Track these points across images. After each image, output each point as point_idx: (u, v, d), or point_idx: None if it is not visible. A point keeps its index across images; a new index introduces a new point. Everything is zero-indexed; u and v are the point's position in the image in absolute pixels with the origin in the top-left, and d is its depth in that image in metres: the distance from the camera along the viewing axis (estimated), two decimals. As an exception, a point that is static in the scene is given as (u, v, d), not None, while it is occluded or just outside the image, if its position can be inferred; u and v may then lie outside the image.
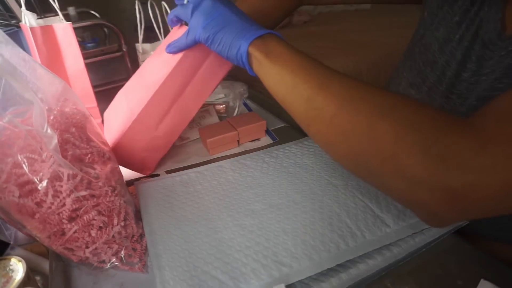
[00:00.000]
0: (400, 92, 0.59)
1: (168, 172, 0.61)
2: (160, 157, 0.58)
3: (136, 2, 0.76)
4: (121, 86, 0.65)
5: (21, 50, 0.42)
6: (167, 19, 0.53)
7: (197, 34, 0.44)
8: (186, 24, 0.48)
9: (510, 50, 0.41)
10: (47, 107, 0.42)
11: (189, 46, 0.48)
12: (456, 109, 0.49)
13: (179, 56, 0.50)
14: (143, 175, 0.59)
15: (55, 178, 0.37)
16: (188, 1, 0.46)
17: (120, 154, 0.54)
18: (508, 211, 0.29)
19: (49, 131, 0.37)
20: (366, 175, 0.34)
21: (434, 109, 0.30)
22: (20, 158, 0.36)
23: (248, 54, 0.40)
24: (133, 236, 0.44)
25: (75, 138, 0.43)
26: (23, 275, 0.35)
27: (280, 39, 0.41)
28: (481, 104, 0.40)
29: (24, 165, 0.36)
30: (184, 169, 0.59)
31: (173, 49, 0.49)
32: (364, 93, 0.32)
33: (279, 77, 0.38)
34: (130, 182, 0.57)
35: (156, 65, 0.55)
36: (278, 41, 0.40)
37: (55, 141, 0.37)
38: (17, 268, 0.36)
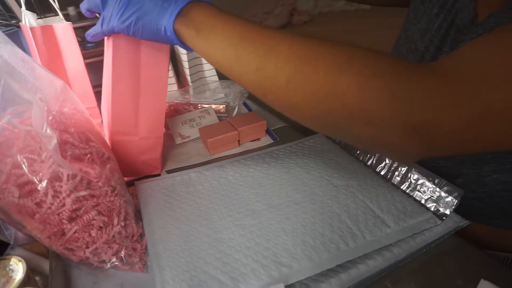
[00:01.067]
0: None
1: (168, 172, 0.61)
2: (159, 154, 0.59)
3: (136, 2, 0.75)
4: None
5: (19, 50, 0.42)
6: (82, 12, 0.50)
7: (114, 26, 0.40)
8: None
9: (479, 34, 0.45)
10: (46, 108, 0.42)
11: (106, 35, 0.45)
12: None
13: (111, 51, 0.48)
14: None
15: (54, 178, 0.37)
16: None
17: (125, 166, 0.55)
18: (470, 148, 0.31)
19: (48, 131, 0.37)
20: (333, 130, 0.34)
21: (393, 56, 0.31)
22: (19, 159, 0.36)
23: (177, 33, 0.37)
24: (133, 236, 0.44)
25: (74, 139, 0.43)
26: (23, 275, 0.35)
27: (207, 5, 0.37)
28: None
29: (23, 166, 0.36)
30: (184, 169, 0.59)
31: (91, 37, 0.46)
32: (317, 50, 0.31)
33: (219, 52, 0.35)
34: (131, 182, 0.57)
35: (106, 64, 0.55)
36: (205, 11, 0.36)
37: (54, 141, 0.37)
38: (17, 268, 0.36)
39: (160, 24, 0.37)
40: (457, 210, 0.42)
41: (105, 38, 0.49)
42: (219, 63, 0.36)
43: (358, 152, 0.55)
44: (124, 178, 0.54)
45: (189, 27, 0.36)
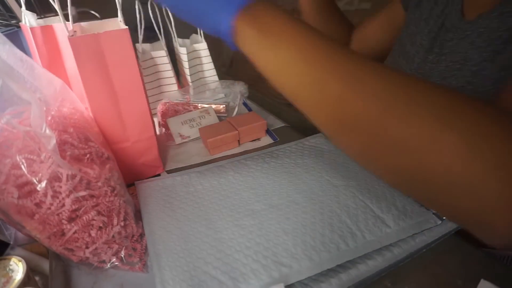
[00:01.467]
0: None
1: (168, 172, 0.61)
2: (156, 154, 0.59)
3: (136, 2, 0.75)
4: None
5: (18, 50, 0.42)
6: None
7: None
8: None
9: (467, 34, 0.46)
10: (45, 108, 0.42)
11: None
12: None
13: (75, 65, 0.47)
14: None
15: (54, 178, 0.37)
16: None
17: (127, 172, 0.55)
18: None
19: (47, 131, 0.37)
20: (412, 189, 0.28)
21: (490, 105, 0.25)
22: (18, 159, 0.36)
23: (233, 29, 0.32)
24: (133, 236, 0.44)
25: (73, 139, 0.43)
26: (23, 275, 0.35)
27: (272, 6, 0.31)
28: (445, 83, 0.47)
29: (22, 166, 0.36)
30: (184, 169, 0.59)
31: None
32: (413, 89, 0.25)
33: (285, 66, 0.29)
34: (131, 183, 0.57)
35: (72, 78, 0.54)
36: (270, 11, 0.31)
37: (53, 141, 0.37)
38: (17, 268, 0.36)
39: (217, 14, 0.32)
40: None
41: (63, 52, 0.48)
42: (280, 79, 0.30)
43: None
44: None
45: (252, 27, 0.30)
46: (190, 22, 0.35)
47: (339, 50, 0.28)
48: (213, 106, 0.77)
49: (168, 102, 0.75)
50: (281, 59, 0.29)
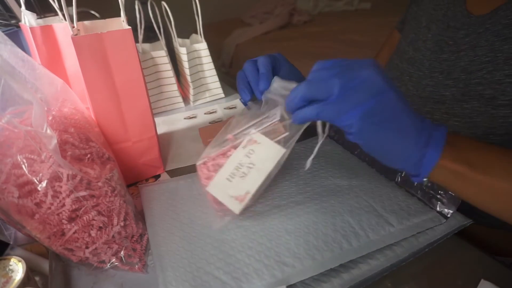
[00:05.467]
0: None
1: (169, 172, 0.61)
2: (157, 153, 0.59)
3: (136, 2, 0.75)
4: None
5: (19, 50, 0.42)
6: (259, 95, 0.42)
7: (347, 119, 0.30)
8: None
9: (487, 28, 0.48)
10: (46, 107, 0.42)
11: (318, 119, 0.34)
12: (440, 82, 0.54)
13: (78, 66, 0.46)
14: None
15: (54, 178, 0.37)
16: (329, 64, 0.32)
17: (128, 172, 0.55)
18: None
19: (48, 131, 0.37)
20: None
21: None
22: (19, 159, 0.36)
23: (435, 166, 0.32)
24: (133, 236, 0.44)
25: (74, 139, 0.43)
26: (23, 275, 0.35)
27: (469, 139, 0.34)
28: (469, 78, 0.49)
29: (23, 166, 0.36)
30: (184, 169, 0.58)
31: (298, 120, 0.35)
32: None
33: (492, 190, 0.32)
34: (131, 183, 0.57)
35: (73, 77, 0.54)
36: (468, 143, 0.33)
37: (54, 141, 0.37)
38: (17, 268, 0.36)
39: (418, 149, 0.31)
40: (458, 210, 0.42)
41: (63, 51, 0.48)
42: (488, 205, 0.33)
43: (360, 151, 0.55)
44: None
45: (460, 163, 0.31)
46: (380, 157, 0.34)
47: None
48: (261, 129, 0.45)
49: (206, 162, 0.46)
50: (492, 191, 0.32)
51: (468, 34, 0.51)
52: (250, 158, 0.40)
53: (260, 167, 0.39)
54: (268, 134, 0.41)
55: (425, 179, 0.33)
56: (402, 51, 0.63)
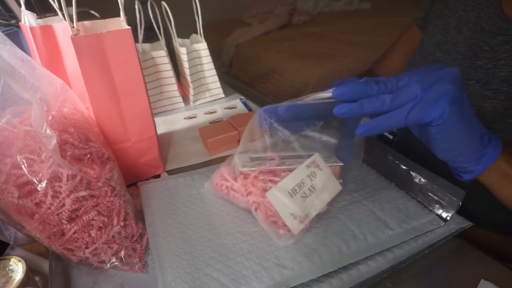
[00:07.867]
0: None
1: (169, 172, 0.61)
2: (157, 153, 0.59)
3: (136, 2, 0.75)
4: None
5: (19, 50, 0.42)
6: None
7: (437, 108, 0.32)
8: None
9: None
10: (46, 107, 0.42)
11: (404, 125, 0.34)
12: (477, 92, 0.50)
13: (77, 66, 0.46)
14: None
15: (54, 178, 0.37)
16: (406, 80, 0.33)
17: (128, 172, 0.55)
18: None
19: (48, 131, 0.37)
20: None
21: None
22: (19, 159, 0.36)
23: (490, 168, 0.37)
24: (133, 236, 0.44)
25: (73, 139, 0.43)
26: (23, 275, 0.35)
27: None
28: (511, 89, 0.47)
29: (23, 166, 0.36)
30: (184, 169, 0.58)
31: (342, 113, 0.34)
32: None
33: None
34: (131, 183, 0.57)
35: (72, 78, 0.54)
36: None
37: (54, 141, 0.37)
38: (17, 268, 0.36)
39: (482, 148, 0.35)
40: (458, 212, 0.42)
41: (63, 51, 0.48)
42: None
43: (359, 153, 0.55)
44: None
45: (509, 162, 0.36)
46: (452, 149, 0.36)
47: None
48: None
49: (254, 172, 0.42)
50: None
51: (508, 41, 0.47)
52: (312, 181, 0.40)
53: (320, 195, 0.40)
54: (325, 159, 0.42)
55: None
56: (427, 52, 0.59)
